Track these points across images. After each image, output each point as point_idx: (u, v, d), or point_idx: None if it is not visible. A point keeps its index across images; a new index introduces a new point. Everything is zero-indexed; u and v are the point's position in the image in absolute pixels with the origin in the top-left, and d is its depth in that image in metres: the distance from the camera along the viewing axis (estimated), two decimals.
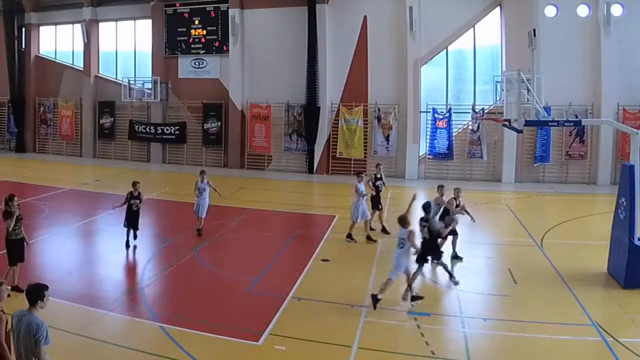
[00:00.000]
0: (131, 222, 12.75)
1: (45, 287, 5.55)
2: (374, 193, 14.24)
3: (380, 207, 14.35)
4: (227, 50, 25.89)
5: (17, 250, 9.78)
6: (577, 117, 20.44)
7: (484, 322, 8.99)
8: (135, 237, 12.88)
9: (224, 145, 26.47)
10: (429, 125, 23.54)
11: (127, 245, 12.73)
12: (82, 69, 29.00)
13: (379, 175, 14.53)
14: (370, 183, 14.35)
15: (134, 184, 13.08)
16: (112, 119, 28.54)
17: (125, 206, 12.84)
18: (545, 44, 19.58)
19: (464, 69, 23.99)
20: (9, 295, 9.22)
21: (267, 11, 25.27)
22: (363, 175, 14.21)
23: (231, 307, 9.58)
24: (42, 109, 30.04)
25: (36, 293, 5.45)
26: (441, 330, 8.77)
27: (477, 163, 23.06)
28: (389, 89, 23.90)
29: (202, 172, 14.37)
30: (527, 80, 11.98)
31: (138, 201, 12.85)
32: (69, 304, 9.08)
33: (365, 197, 13.59)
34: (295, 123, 25.07)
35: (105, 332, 8.22)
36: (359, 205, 13.40)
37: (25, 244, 9.98)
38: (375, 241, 13.42)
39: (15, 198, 10.07)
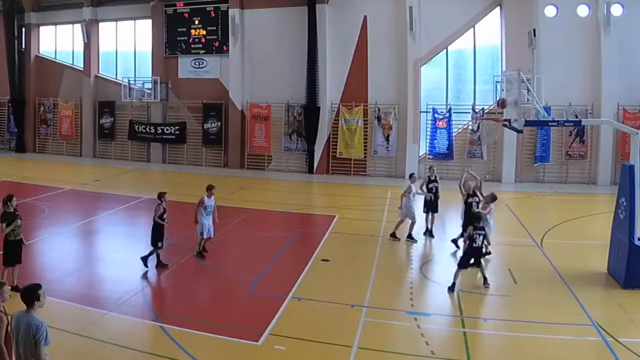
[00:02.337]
0: (162, 239, 11.27)
1: (39, 287, 5.51)
2: (431, 197, 14.01)
3: (436, 210, 14.19)
4: (227, 50, 25.89)
5: (14, 251, 9.72)
6: (577, 117, 20.44)
7: (484, 322, 8.99)
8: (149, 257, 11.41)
9: (224, 145, 26.47)
10: (429, 125, 23.54)
11: (164, 264, 11.33)
12: (82, 69, 28.99)
13: (432, 178, 14.21)
14: (424, 187, 14.09)
15: (163, 195, 11.39)
16: (112, 119, 28.53)
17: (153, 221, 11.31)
18: (545, 44, 19.55)
19: (464, 69, 23.99)
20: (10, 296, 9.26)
21: (267, 11, 25.26)
22: (415, 175, 14.27)
23: (231, 307, 9.59)
24: (42, 109, 30.03)
25: (31, 294, 5.41)
26: (441, 330, 8.77)
27: (477, 163, 23.02)
28: (389, 89, 23.89)
29: (212, 187, 12.20)
30: (527, 80, 11.96)
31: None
32: (69, 304, 9.08)
33: (414, 197, 13.52)
34: (295, 123, 25.07)
35: (105, 332, 8.21)
36: (410, 206, 13.42)
37: (22, 244, 9.91)
38: (415, 241, 13.54)
39: (14, 198, 9.99)
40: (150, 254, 11.29)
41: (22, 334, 5.31)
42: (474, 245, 10.28)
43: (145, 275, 10.95)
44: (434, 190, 14.04)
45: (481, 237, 10.26)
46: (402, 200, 13.66)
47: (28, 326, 5.30)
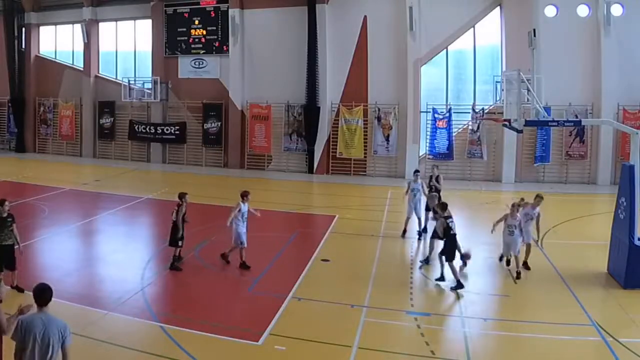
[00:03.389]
0: (182, 238, 11.39)
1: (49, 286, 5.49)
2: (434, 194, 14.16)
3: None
4: (227, 50, 25.89)
5: (3, 257, 9.45)
6: (577, 117, 20.43)
7: (484, 322, 8.99)
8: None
9: (224, 145, 26.47)
10: (429, 125, 23.54)
11: (179, 268, 11.35)
12: (82, 69, 28.98)
13: (434, 177, 14.51)
14: (425, 184, 14.42)
15: (184, 195, 11.44)
16: (112, 119, 28.53)
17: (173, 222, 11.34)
18: (545, 44, 19.60)
19: (464, 69, 23.98)
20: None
21: (267, 11, 25.26)
22: (418, 175, 14.37)
23: (231, 307, 9.58)
24: (42, 109, 30.02)
25: (48, 293, 5.33)
26: (441, 330, 8.78)
27: (477, 163, 23.06)
28: (389, 89, 23.89)
29: (248, 193, 11.61)
30: (527, 80, 11.97)
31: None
32: (69, 304, 9.05)
33: (416, 195, 13.74)
34: (295, 123, 25.07)
35: (105, 332, 8.21)
36: (409, 202, 13.86)
37: (17, 247, 9.64)
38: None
39: (7, 203, 9.66)
40: (178, 256, 11.36)
41: (45, 336, 5.15)
42: (452, 233, 10.49)
43: (145, 275, 10.95)
44: (433, 190, 14.18)
45: (453, 223, 10.52)
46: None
47: (54, 327, 5.19)
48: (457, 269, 10.55)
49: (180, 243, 11.32)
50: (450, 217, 10.67)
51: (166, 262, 11.60)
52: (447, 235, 10.54)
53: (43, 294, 5.33)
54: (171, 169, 26.30)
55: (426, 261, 11.77)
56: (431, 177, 14.64)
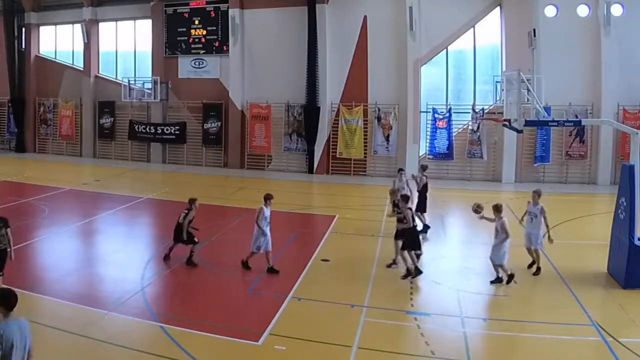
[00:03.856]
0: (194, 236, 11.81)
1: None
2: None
3: (422, 210, 14.39)
4: (227, 50, 25.90)
5: None
6: (577, 117, 20.44)
7: (484, 322, 8.99)
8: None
9: (224, 145, 26.48)
10: (429, 125, 23.55)
11: (194, 263, 11.65)
12: (82, 69, 29.01)
13: (417, 177, 14.74)
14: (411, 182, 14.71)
15: (194, 201, 11.80)
16: (112, 119, 28.55)
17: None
18: (545, 44, 19.62)
19: (464, 69, 23.99)
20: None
21: (267, 11, 25.28)
22: (402, 173, 14.68)
23: (231, 307, 9.58)
24: (42, 109, 30.05)
25: (14, 297, 5.26)
26: (441, 330, 8.76)
27: (477, 163, 23.07)
28: (389, 89, 23.90)
29: (272, 197, 11.36)
30: (527, 80, 11.98)
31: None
32: (69, 304, 9.05)
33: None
34: (295, 123, 25.07)
35: (105, 332, 8.20)
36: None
37: (8, 250, 9.22)
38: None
39: None
40: (191, 254, 11.55)
41: (22, 340, 5.20)
42: (414, 225, 11.07)
43: (145, 275, 10.95)
44: (417, 189, 14.41)
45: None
46: None
47: (26, 329, 5.26)
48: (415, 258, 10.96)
49: (196, 239, 11.59)
50: (411, 209, 11.31)
51: (166, 262, 11.61)
52: (410, 227, 10.93)
53: (10, 299, 5.26)
54: (171, 169, 26.30)
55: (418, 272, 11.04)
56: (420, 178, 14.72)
